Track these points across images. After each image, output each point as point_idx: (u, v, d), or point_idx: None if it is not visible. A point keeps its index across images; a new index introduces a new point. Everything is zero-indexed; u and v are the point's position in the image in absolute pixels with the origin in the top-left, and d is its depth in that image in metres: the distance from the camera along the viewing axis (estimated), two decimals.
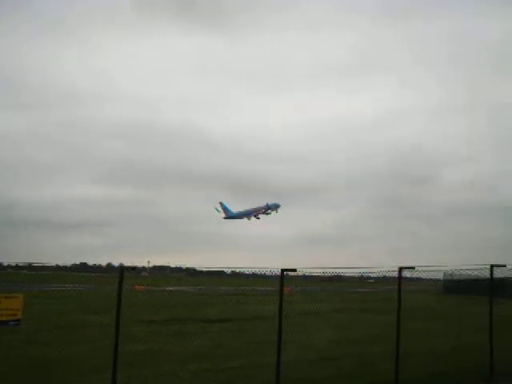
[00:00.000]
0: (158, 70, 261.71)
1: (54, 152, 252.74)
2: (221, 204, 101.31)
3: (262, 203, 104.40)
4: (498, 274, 20.33)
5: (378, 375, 17.81)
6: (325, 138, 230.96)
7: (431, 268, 19.73)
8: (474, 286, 50.48)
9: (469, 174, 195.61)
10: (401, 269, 17.18)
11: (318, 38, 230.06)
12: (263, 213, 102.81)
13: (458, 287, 68.16)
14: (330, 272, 18.67)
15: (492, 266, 19.40)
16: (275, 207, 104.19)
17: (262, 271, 17.04)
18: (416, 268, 17.60)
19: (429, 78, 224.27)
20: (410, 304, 20.09)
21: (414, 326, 23.97)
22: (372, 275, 21.37)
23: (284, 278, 15.22)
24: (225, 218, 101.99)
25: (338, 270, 18.93)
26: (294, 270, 15.25)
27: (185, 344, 23.24)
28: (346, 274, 21.89)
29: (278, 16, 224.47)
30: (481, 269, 20.53)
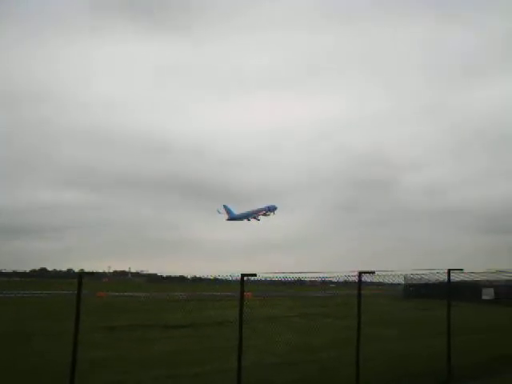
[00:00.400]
0: (116, 73, 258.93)
1: (11, 156, 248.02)
2: (224, 207, 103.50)
3: (262, 205, 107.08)
4: (456, 277, 20.70)
5: (338, 380, 17.87)
6: (286, 142, 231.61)
7: (391, 272, 19.92)
8: (432, 289, 51.26)
9: (424, 179, 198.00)
10: (360, 273, 17.32)
11: (278, 42, 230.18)
12: (263, 214, 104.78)
13: (417, 291, 69.04)
14: (291, 277, 18.69)
15: (449, 270, 19.68)
16: (273, 209, 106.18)
17: (224, 277, 17.01)
18: (376, 272, 17.74)
19: (385, 83, 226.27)
20: (371, 308, 20.27)
21: (375, 331, 24.20)
22: (333, 279, 21.46)
23: (245, 282, 15.24)
24: (228, 219, 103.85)
25: (299, 275, 18.98)
26: (254, 275, 15.26)
27: (146, 350, 23.05)
28: (307, 279, 21.93)
29: (238, 19, 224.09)
30: (439, 273, 20.80)
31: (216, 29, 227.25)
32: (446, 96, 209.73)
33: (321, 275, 19.97)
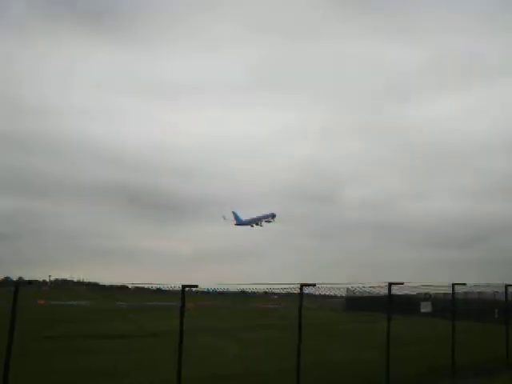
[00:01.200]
0: (56, 79, 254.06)
1: None
2: (233, 213, 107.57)
3: (267, 211, 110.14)
4: (397, 291, 21.08)
5: None
6: (227, 152, 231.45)
7: (332, 285, 20.14)
8: (374, 302, 51.95)
9: (366, 193, 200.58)
10: (302, 285, 17.48)
11: (221, 54, 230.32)
12: (266, 221, 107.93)
13: (359, 304, 69.87)
14: (234, 288, 18.75)
15: (390, 284, 20.02)
16: (274, 216, 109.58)
17: (165, 287, 16.92)
18: (317, 285, 17.93)
19: (326, 98, 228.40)
20: (312, 321, 20.42)
21: (316, 343, 24.37)
22: (275, 291, 21.56)
23: (188, 293, 15.21)
24: (236, 224, 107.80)
25: (242, 286, 19.03)
26: (196, 286, 15.25)
27: (78, 362, 22.66)
28: (251, 290, 21.98)
29: (183, 30, 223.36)
30: (380, 286, 21.11)
31: (164, 36, 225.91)
32: (387, 112, 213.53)
33: (264, 287, 20.07)
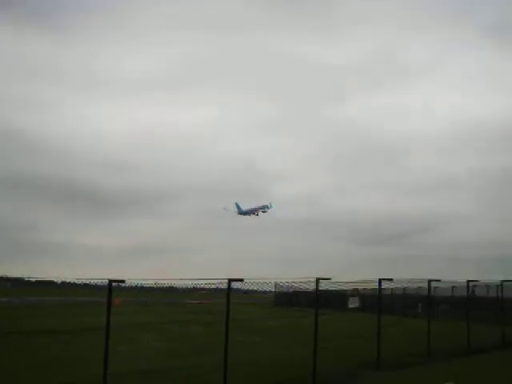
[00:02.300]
0: None
1: None
2: (236, 204, 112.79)
3: (263, 203, 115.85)
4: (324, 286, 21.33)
5: None
6: (162, 147, 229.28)
7: (261, 280, 20.22)
8: (302, 297, 52.57)
9: (297, 189, 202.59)
10: (230, 280, 17.46)
11: (154, 44, 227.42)
12: (263, 211, 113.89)
13: (288, 299, 70.50)
14: (163, 283, 18.58)
15: (318, 279, 20.23)
16: (268, 208, 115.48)
17: (93, 282, 16.66)
18: (245, 280, 17.95)
19: (258, 94, 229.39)
20: (241, 316, 20.47)
21: (244, 338, 24.46)
22: (205, 286, 21.49)
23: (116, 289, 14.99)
24: (238, 213, 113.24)
25: (171, 281, 18.88)
26: (123, 281, 15.04)
27: (5, 359, 22.07)
28: (180, 285, 21.86)
29: (115, 19, 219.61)
30: (308, 281, 21.30)
31: (92, 29, 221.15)
32: (320, 110, 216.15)
33: (193, 282, 19.96)
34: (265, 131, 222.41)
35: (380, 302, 23.98)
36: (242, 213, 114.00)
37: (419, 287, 34.28)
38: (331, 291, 25.48)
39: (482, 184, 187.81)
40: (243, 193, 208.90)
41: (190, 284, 20.19)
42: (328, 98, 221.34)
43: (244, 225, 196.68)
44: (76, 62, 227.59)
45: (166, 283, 19.10)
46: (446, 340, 26.91)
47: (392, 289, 44.76)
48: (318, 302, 20.62)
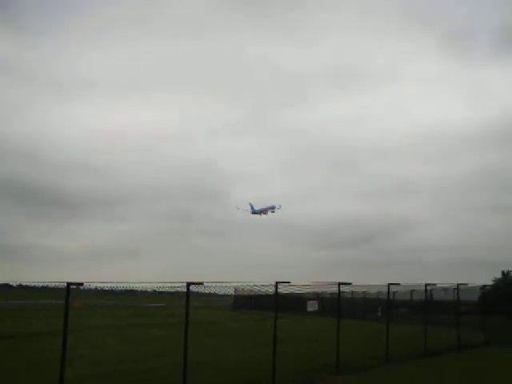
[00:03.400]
0: None
1: None
2: (250, 204, 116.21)
3: (270, 204, 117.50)
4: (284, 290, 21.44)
5: None
6: (123, 149, 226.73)
7: (221, 284, 20.20)
8: (262, 301, 52.65)
9: (257, 192, 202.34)
10: (188, 284, 17.46)
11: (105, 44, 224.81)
12: (272, 211, 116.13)
13: (248, 303, 70.58)
14: (122, 286, 18.47)
15: (277, 283, 20.33)
16: (275, 208, 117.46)
17: (52, 285, 16.46)
18: (205, 284, 17.94)
19: (220, 96, 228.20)
20: (200, 319, 20.45)
21: (204, 341, 24.43)
22: (164, 290, 21.43)
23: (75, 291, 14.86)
24: (251, 213, 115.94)
25: (130, 285, 18.76)
26: (81, 284, 14.91)
27: None
28: (140, 289, 21.73)
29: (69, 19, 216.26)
30: (269, 285, 21.36)
31: (53, 29, 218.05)
32: (282, 114, 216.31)
33: (152, 285, 19.88)
34: (226, 134, 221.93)
35: (339, 306, 24.16)
36: (254, 212, 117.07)
37: (379, 291, 34.64)
38: (291, 295, 25.59)
39: (440, 189, 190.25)
40: (204, 195, 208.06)
41: (150, 287, 20.08)
42: (289, 101, 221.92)
43: (205, 228, 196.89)
44: (37, 62, 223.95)
45: (127, 286, 18.96)
46: (404, 343, 27.32)
47: (352, 292, 45.29)
48: (278, 305, 20.73)
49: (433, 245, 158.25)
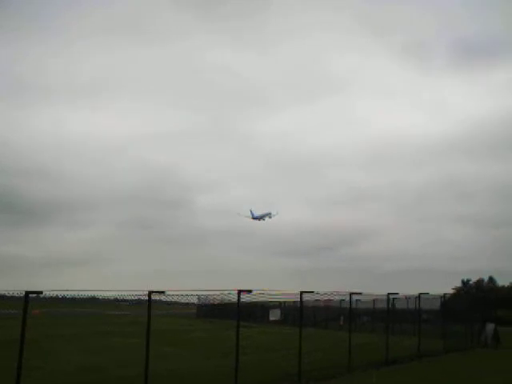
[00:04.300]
0: None
1: None
2: (250, 210, 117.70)
3: (267, 210, 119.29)
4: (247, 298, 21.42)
5: None
6: (85, 155, 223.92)
7: (183, 292, 20.09)
8: (225, 310, 52.56)
9: (221, 200, 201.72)
10: (150, 293, 17.32)
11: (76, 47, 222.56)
12: (269, 217, 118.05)
13: (211, 311, 70.38)
14: (83, 295, 18.24)
15: (239, 292, 20.29)
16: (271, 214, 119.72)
17: (9, 293, 16.18)
18: (167, 292, 17.81)
19: (180, 104, 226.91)
20: (158, 327, 20.25)
21: (165, 350, 24.24)
22: (126, 298, 21.22)
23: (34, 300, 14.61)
24: (252, 218, 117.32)
25: (92, 293, 18.56)
26: (40, 293, 14.66)
27: None
28: (101, 297, 21.50)
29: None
30: (230, 294, 21.32)
31: (18, 31, 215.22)
32: (243, 121, 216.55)
33: (114, 293, 19.70)
34: (187, 140, 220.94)
35: (301, 315, 24.19)
36: (254, 217, 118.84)
37: (342, 300, 34.81)
38: (253, 303, 25.57)
39: (401, 198, 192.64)
40: (165, 202, 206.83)
41: (112, 295, 19.90)
42: (250, 108, 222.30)
43: (168, 235, 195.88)
44: None
45: (88, 294, 18.73)
46: (366, 352, 27.43)
47: (314, 301, 45.38)
48: (240, 314, 20.70)
49: (394, 253, 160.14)
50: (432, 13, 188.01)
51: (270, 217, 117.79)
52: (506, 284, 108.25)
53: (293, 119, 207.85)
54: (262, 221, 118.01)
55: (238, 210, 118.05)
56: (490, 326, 41.13)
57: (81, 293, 17.94)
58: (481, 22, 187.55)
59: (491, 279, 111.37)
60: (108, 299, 21.82)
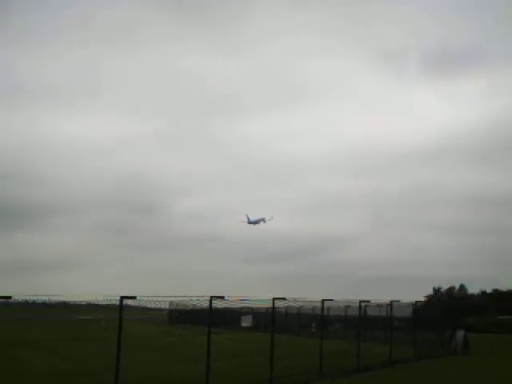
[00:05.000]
0: None
1: None
2: (246, 215, 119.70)
3: (262, 215, 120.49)
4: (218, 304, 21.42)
5: None
6: (56, 159, 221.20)
7: (155, 298, 20.02)
8: (197, 316, 52.36)
9: (194, 206, 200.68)
10: (122, 298, 17.24)
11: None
12: (263, 222, 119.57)
13: (184, 317, 70.08)
14: (54, 299, 18.13)
15: (211, 298, 20.29)
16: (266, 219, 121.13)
17: None
18: (139, 298, 17.75)
19: (150, 106, 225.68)
20: (134, 333, 20.16)
21: (137, 356, 24.07)
22: (99, 303, 21.12)
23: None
24: (248, 223, 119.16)
25: (63, 298, 18.43)
26: (9, 298, 14.54)
27: None
28: (72, 301, 21.34)
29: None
30: (203, 300, 21.31)
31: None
32: (217, 126, 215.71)
33: (87, 298, 19.57)
34: (160, 146, 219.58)
35: (273, 321, 24.23)
36: (250, 222, 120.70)
37: (314, 306, 34.90)
38: (225, 309, 25.55)
39: (373, 205, 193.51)
40: (139, 206, 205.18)
41: (84, 300, 19.77)
42: (224, 114, 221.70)
43: (142, 240, 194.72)
44: None
45: (59, 299, 18.59)
46: (337, 358, 27.54)
47: (287, 307, 45.48)
48: (212, 320, 20.71)
49: (368, 261, 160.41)
50: (404, 21, 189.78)
51: (265, 221, 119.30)
52: (476, 292, 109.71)
53: (267, 125, 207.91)
54: (257, 225, 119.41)
55: (212, 214, 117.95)
56: (460, 333, 41.61)
57: (52, 298, 17.80)
58: (452, 31, 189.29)
59: (462, 287, 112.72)
60: (80, 304, 21.61)
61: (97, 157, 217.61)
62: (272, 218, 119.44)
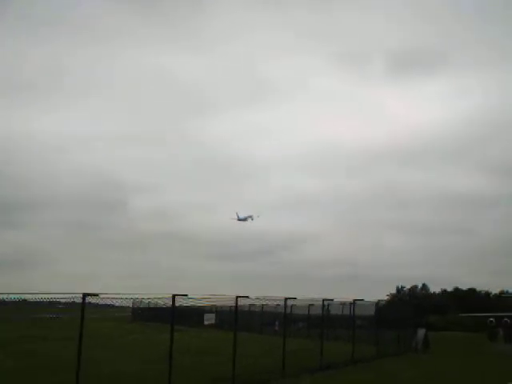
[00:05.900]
0: None
1: None
2: (236, 213, 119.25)
3: (249, 213, 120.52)
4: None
5: None
6: (23, 156, 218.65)
7: (118, 295, 19.87)
8: (160, 313, 52.17)
9: (155, 202, 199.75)
10: (84, 295, 17.11)
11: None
12: (251, 219, 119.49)
13: (146, 315, 69.87)
14: (13, 297, 17.88)
15: (174, 296, 20.26)
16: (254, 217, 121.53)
17: None
18: (101, 295, 17.62)
19: (121, 103, 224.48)
20: (96, 331, 20.01)
21: (99, 354, 23.85)
22: (60, 300, 20.88)
23: None
24: (238, 220, 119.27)
25: (23, 295, 18.22)
26: None
27: None
28: (33, 299, 21.05)
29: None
30: (166, 298, 21.24)
31: None
32: (183, 125, 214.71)
33: (47, 296, 19.31)
34: (127, 144, 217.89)
35: (236, 319, 24.25)
36: (239, 219, 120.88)
37: (277, 305, 34.99)
38: (188, 307, 25.48)
39: (342, 203, 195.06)
40: (103, 204, 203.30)
41: (44, 298, 19.49)
42: (192, 112, 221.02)
43: (106, 238, 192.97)
44: None
45: (19, 297, 18.34)
46: (300, 357, 27.67)
47: (250, 306, 45.57)
48: (174, 318, 20.67)
49: (332, 259, 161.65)
50: (371, 22, 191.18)
51: (252, 219, 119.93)
52: (438, 291, 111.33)
53: (234, 123, 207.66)
54: (245, 222, 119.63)
55: (178, 212, 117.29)
56: (421, 332, 42.31)
57: (10, 295, 17.56)
58: (418, 33, 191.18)
59: (424, 286, 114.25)
60: (40, 301, 21.31)
61: (61, 154, 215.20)
62: (258, 216, 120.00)
